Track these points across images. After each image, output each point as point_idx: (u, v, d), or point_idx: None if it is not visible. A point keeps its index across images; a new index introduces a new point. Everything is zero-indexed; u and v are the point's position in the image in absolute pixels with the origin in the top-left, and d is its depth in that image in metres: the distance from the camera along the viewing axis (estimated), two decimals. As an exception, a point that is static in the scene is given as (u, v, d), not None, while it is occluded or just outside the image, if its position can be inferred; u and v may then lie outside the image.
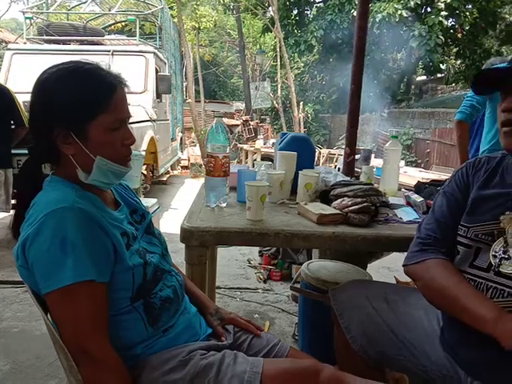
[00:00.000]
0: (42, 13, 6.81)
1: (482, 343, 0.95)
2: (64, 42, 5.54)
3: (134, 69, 4.94)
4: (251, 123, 12.81)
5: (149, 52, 5.43)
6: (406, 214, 1.53)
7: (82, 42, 5.53)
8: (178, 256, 2.33)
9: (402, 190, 1.99)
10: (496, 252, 0.99)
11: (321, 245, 1.41)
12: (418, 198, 1.62)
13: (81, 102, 0.89)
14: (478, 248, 1.03)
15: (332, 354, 1.36)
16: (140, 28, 6.42)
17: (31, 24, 6.25)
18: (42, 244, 0.83)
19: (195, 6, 14.10)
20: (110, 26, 9.72)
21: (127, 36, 8.09)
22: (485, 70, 1.07)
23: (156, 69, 5.56)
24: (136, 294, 0.93)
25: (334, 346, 1.38)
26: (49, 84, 0.91)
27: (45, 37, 5.66)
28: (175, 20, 9.87)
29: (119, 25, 11.10)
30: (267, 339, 1.14)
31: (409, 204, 1.67)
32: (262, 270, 3.33)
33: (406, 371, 1.23)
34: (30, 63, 4.82)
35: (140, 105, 4.74)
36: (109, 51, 5.05)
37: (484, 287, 0.99)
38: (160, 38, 6.94)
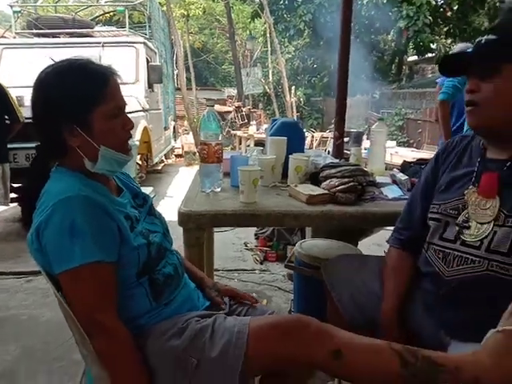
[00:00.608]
0: (29, 6, 6.76)
1: (458, 308, 1.07)
2: (54, 35, 5.53)
3: (125, 60, 4.96)
4: (243, 109, 12.82)
5: (139, 42, 5.44)
6: (392, 192, 1.62)
7: (71, 35, 5.52)
8: (175, 242, 2.41)
9: (394, 169, 2.07)
10: (459, 223, 1.10)
11: (310, 223, 1.51)
12: (402, 177, 1.71)
13: (79, 95, 0.97)
14: (447, 222, 1.13)
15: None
16: (129, 18, 6.40)
17: (18, 17, 6.22)
18: (53, 230, 0.92)
19: (183, -7, 13.96)
20: (99, 16, 9.63)
21: (116, 26, 8.05)
22: (449, 56, 1.17)
23: (147, 59, 5.57)
24: (142, 271, 1.02)
25: (327, 317, 1.47)
26: (47, 83, 0.98)
27: (34, 30, 5.65)
28: (164, 8, 9.80)
29: (107, 15, 10.99)
30: (262, 310, 1.23)
31: (394, 182, 1.76)
32: (258, 252, 3.43)
33: (393, 334, 1.34)
34: (20, 57, 4.83)
35: (132, 95, 4.77)
36: (99, 43, 5.06)
37: (451, 257, 1.09)
38: (149, 27, 6.92)
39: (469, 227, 1.07)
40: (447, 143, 1.26)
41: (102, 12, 9.98)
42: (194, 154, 9.23)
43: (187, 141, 10.59)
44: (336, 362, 0.93)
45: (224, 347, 0.95)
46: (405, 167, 1.86)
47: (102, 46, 5.04)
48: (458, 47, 3.34)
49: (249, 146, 8.26)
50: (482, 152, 1.12)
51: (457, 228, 1.10)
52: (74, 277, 0.92)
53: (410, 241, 1.28)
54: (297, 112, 12.41)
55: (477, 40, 1.06)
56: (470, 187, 1.10)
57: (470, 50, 1.07)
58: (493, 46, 1.01)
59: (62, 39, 5.42)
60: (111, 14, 10.70)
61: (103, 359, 0.95)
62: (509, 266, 0.98)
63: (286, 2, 12.83)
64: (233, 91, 16.52)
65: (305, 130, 8.85)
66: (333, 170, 1.66)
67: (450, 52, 3.55)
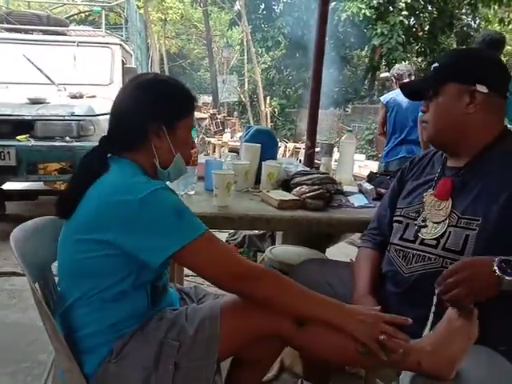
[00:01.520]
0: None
1: (414, 306, 1.14)
2: (26, 32, 5.42)
3: (100, 61, 4.90)
4: (218, 117, 12.86)
5: (115, 44, 5.39)
6: (358, 200, 1.69)
7: (45, 32, 5.42)
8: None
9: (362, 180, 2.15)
10: (417, 223, 1.20)
11: (281, 227, 1.56)
12: (368, 186, 1.79)
13: (179, 102, 1.10)
14: (407, 223, 1.24)
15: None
16: (105, 18, 6.35)
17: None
18: (161, 216, 0.95)
19: (162, -2, 13.96)
20: (74, 15, 9.49)
21: (91, 26, 7.96)
22: (403, 84, 1.31)
23: (122, 61, 5.52)
24: (152, 278, 1.06)
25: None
26: (155, 85, 1.09)
27: (5, 25, 5.51)
28: (141, 11, 9.76)
29: (82, 14, 10.84)
30: None
31: (361, 191, 1.84)
32: (228, 259, 3.44)
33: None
34: (-9, 52, 4.71)
35: (106, 97, 4.73)
36: (74, 42, 4.99)
37: (410, 255, 1.18)
38: (126, 29, 6.88)
39: (425, 226, 1.17)
40: (414, 157, 1.39)
41: (78, 11, 9.85)
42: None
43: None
44: (299, 332, 1.02)
45: (200, 323, 1.03)
46: (371, 178, 1.95)
47: (77, 45, 4.97)
48: (397, 68, 3.82)
49: (224, 152, 8.30)
50: (443, 161, 1.24)
51: (415, 227, 1.19)
52: (197, 247, 0.96)
53: (379, 243, 1.36)
54: (271, 122, 12.56)
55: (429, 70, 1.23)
56: (429, 191, 1.21)
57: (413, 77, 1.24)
58: (437, 71, 1.18)
59: (35, 36, 5.31)
60: (87, 13, 10.57)
61: (270, 302, 1.01)
62: None
63: (264, 12, 13.04)
64: (208, 98, 16.55)
65: (278, 140, 8.98)
66: (303, 178, 1.72)
67: (391, 72, 3.97)
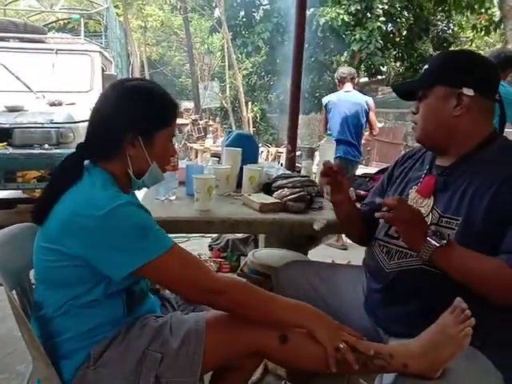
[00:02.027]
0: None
1: (394, 303, 1.17)
2: (2, 39, 5.34)
3: (79, 68, 4.87)
4: (200, 122, 12.84)
5: (94, 51, 5.36)
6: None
7: (22, 40, 5.35)
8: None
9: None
10: None
11: (263, 230, 1.58)
12: (348, 188, 1.81)
13: (156, 113, 1.07)
14: None
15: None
16: (84, 26, 6.31)
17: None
18: (122, 235, 0.94)
19: (141, 6, 13.91)
20: (52, 23, 9.39)
21: (70, 34, 7.88)
22: (395, 86, 1.32)
23: (102, 68, 5.49)
24: (127, 284, 1.04)
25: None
26: (131, 94, 1.06)
27: (-20, 32, 5.42)
28: (121, 19, 9.72)
29: (61, 22, 10.73)
30: (206, 308, 1.28)
31: (341, 194, 1.86)
32: (212, 263, 3.45)
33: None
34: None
35: (86, 104, 4.69)
36: (52, 50, 4.94)
37: (393, 251, 1.21)
38: (106, 36, 6.84)
39: None
40: (405, 153, 1.43)
41: (56, 19, 9.74)
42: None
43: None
44: (282, 347, 1.03)
45: (185, 336, 1.02)
46: (351, 180, 1.98)
47: (56, 52, 4.93)
48: (340, 72, 4.08)
49: (205, 157, 8.28)
50: (432, 158, 1.26)
51: None
52: (163, 263, 0.96)
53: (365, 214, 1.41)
54: (253, 127, 12.61)
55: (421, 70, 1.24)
56: (414, 187, 1.24)
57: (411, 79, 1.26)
58: (427, 73, 1.20)
59: (12, 43, 5.24)
60: (65, 21, 10.47)
61: (237, 311, 1.03)
62: None
63: (244, 19, 13.12)
64: (190, 104, 16.53)
65: (260, 145, 9.01)
66: (284, 181, 1.74)
67: (335, 75, 4.24)
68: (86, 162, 1.06)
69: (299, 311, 1.06)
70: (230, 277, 1.08)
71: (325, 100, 4.16)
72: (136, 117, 1.04)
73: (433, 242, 1.03)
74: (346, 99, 3.93)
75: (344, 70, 4.14)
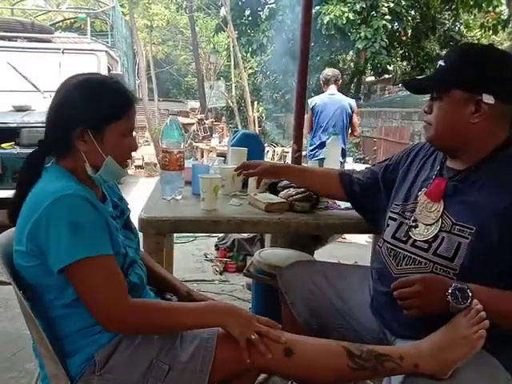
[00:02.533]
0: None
1: (400, 307, 1.13)
2: (10, 39, 5.38)
3: (86, 67, 4.87)
4: (206, 122, 12.84)
5: (100, 50, 5.39)
6: (344, 202, 1.71)
7: (30, 40, 5.39)
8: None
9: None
10: (408, 223, 1.19)
11: (268, 230, 1.57)
12: (354, 188, 1.80)
13: (105, 107, 1.03)
14: (401, 222, 1.23)
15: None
16: (91, 26, 6.34)
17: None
18: (55, 226, 0.92)
19: (147, 5, 13.94)
20: (59, 22, 9.44)
21: (77, 33, 7.92)
22: (407, 83, 1.27)
23: (108, 67, 5.52)
24: None
25: (282, 322, 1.53)
26: (78, 88, 1.03)
27: (-11, 32, 5.45)
28: (127, 18, 9.75)
29: (68, 22, 10.78)
30: None
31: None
32: (218, 263, 3.45)
33: (343, 338, 1.41)
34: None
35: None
36: (59, 49, 4.97)
37: (401, 256, 1.18)
38: (112, 36, 6.87)
39: (416, 227, 1.16)
40: (415, 145, 1.38)
41: (62, 18, 9.80)
42: (155, 165, 9.13)
43: (148, 152, 10.47)
44: (288, 360, 1.00)
45: (194, 351, 1.01)
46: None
47: (62, 52, 4.96)
48: (325, 73, 4.22)
49: (211, 157, 8.28)
50: (443, 160, 1.22)
51: (406, 227, 1.19)
52: (80, 270, 0.93)
53: (349, 178, 1.46)
54: (259, 127, 12.59)
55: (435, 65, 1.18)
56: (424, 189, 1.20)
57: (425, 75, 1.21)
58: (443, 72, 1.13)
59: (20, 43, 5.28)
60: (72, 20, 10.52)
61: (144, 332, 1.02)
62: (450, 270, 1.07)
63: (250, 18, 13.10)
64: (195, 104, 16.55)
65: (266, 145, 9.00)
66: (290, 181, 1.74)
67: (323, 76, 4.29)
68: (51, 161, 1.07)
69: (207, 312, 1.05)
70: (137, 304, 1.02)
71: (311, 102, 4.23)
72: (83, 111, 1.02)
73: (456, 306, 0.99)
74: (331, 102, 4.09)
75: (329, 71, 4.23)
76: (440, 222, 1.11)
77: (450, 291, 0.98)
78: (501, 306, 1.00)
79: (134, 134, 1.13)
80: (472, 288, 0.99)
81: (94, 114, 1.03)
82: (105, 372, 0.99)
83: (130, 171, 8.85)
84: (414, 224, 1.17)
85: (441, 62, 1.13)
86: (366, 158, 10.11)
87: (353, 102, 4.11)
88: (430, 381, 0.98)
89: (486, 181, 1.08)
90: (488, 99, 1.03)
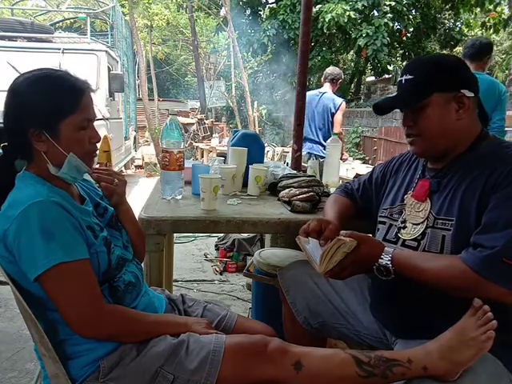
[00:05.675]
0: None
1: (396, 304, 1.17)
2: (10, 39, 5.37)
3: (86, 67, 4.89)
4: (206, 122, 12.84)
5: (100, 50, 5.39)
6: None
7: (29, 39, 5.39)
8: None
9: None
10: (398, 224, 1.22)
11: (268, 229, 1.56)
12: (355, 188, 1.80)
13: (53, 103, 1.00)
14: (390, 224, 1.25)
15: (281, 331, 1.51)
16: (91, 25, 6.33)
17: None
18: (27, 234, 0.91)
19: (147, 5, 13.92)
20: (59, 22, 9.43)
21: (76, 33, 7.92)
22: (376, 104, 1.23)
23: (108, 67, 5.52)
24: (102, 279, 1.03)
25: (282, 321, 1.53)
26: (24, 87, 1.00)
27: (-11, 32, 5.45)
28: (127, 18, 9.75)
29: (67, 21, 10.78)
30: (216, 312, 1.28)
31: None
32: (218, 263, 3.45)
33: (343, 337, 1.41)
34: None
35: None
36: (59, 49, 4.97)
37: None
38: (112, 36, 6.87)
39: (405, 227, 1.19)
40: (403, 154, 1.39)
41: (62, 18, 9.79)
42: (155, 165, 9.14)
43: (148, 152, 10.48)
44: (298, 373, 1.00)
45: (200, 363, 1.00)
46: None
47: (62, 52, 4.96)
48: (326, 70, 4.22)
49: (211, 156, 8.28)
50: (424, 163, 1.25)
51: (396, 229, 1.22)
52: (54, 277, 0.92)
53: (352, 193, 1.46)
54: (259, 126, 12.59)
55: (398, 80, 1.18)
56: (409, 192, 1.23)
57: (392, 95, 1.20)
58: (418, 84, 1.12)
59: (20, 43, 5.28)
60: (72, 20, 10.52)
61: (117, 339, 1.01)
62: None
63: (250, 18, 13.10)
64: (195, 104, 16.54)
65: (266, 145, 9.00)
66: (290, 181, 1.74)
67: (325, 71, 4.26)
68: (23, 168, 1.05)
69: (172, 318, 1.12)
70: (114, 309, 1.02)
71: None
72: (33, 111, 0.99)
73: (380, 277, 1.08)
74: (315, 100, 4.07)
75: (328, 69, 4.21)
76: (427, 220, 1.14)
77: (376, 266, 1.08)
78: (421, 264, 1.04)
79: (93, 124, 1.08)
80: (394, 258, 1.06)
81: (43, 112, 0.99)
82: (109, 380, 0.98)
83: (130, 171, 8.85)
84: (402, 225, 1.20)
85: (406, 77, 1.14)
86: (366, 158, 10.11)
87: (338, 100, 4.03)
88: (435, 382, 0.97)
89: (462, 173, 1.11)
90: (468, 93, 1.10)
